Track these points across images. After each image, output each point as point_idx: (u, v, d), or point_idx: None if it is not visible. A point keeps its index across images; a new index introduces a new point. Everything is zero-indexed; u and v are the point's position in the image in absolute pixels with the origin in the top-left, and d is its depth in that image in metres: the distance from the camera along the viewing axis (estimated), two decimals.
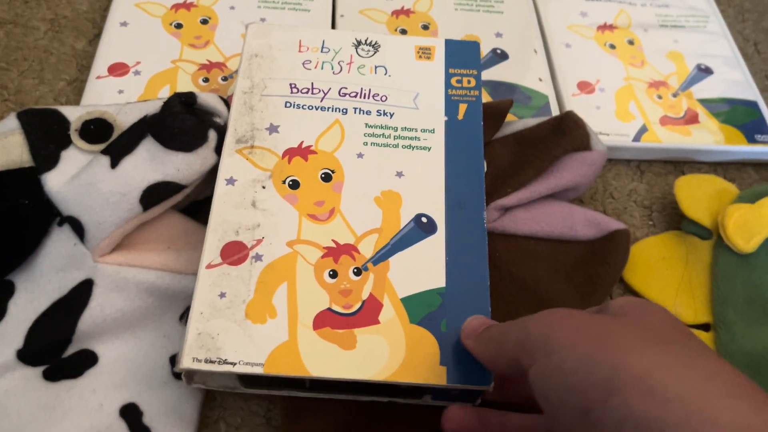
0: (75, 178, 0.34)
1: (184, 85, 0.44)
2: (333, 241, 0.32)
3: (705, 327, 0.39)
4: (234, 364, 0.29)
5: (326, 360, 0.29)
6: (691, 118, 0.48)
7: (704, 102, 0.49)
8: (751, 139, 0.47)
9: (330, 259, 0.32)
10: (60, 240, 0.34)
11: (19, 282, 0.34)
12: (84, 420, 0.31)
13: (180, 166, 0.33)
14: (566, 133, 0.41)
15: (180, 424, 0.32)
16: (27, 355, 0.32)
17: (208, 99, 0.35)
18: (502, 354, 0.26)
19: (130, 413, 0.32)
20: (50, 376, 0.32)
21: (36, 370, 0.32)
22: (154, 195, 0.33)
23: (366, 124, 0.36)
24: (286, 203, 0.33)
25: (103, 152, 0.34)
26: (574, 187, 0.41)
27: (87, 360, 0.33)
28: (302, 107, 0.36)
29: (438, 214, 0.34)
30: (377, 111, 0.36)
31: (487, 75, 0.47)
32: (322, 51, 0.38)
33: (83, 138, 0.35)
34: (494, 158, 0.41)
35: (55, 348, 0.33)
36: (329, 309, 0.31)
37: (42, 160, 0.34)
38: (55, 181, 0.34)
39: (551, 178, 0.40)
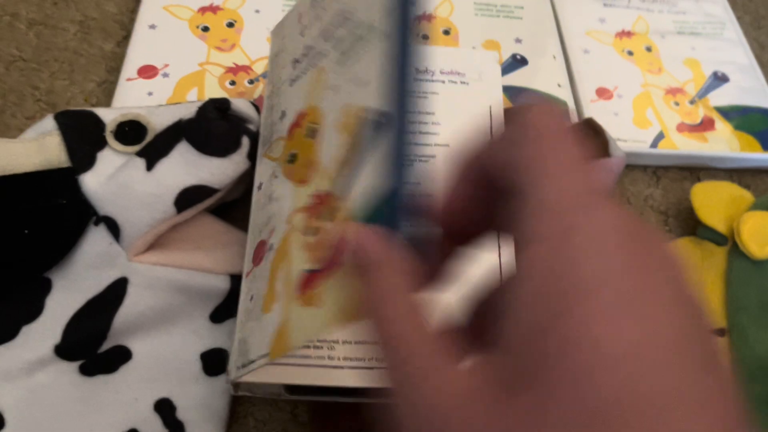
0: (111, 179, 0.35)
1: (211, 88, 0.45)
2: (315, 196, 0.27)
3: (719, 332, 0.39)
4: (253, 361, 0.28)
5: (307, 325, 0.25)
6: (707, 125, 0.49)
7: (720, 109, 0.50)
8: (766, 147, 0.48)
9: (312, 218, 0.27)
10: (96, 239, 0.35)
11: (56, 279, 0.35)
12: (120, 413, 0.32)
13: (214, 171, 0.34)
14: (586, 139, 0.41)
15: (212, 419, 0.33)
16: (64, 350, 0.34)
17: (241, 105, 0.36)
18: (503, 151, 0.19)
19: (165, 408, 0.33)
20: (86, 370, 0.34)
21: (72, 365, 0.34)
22: (188, 198, 0.34)
23: (341, 54, 0.29)
24: (287, 181, 0.31)
25: (139, 154, 0.35)
26: None
27: (121, 355, 0.34)
28: (301, 77, 0.32)
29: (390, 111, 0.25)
30: (349, 31, 0.29)
31: (507, 80, 0.48)
32: (312, 8, 0.33)
33: (118, 139, 0.36)
34: None
35: (91, 344, 0.34)
36: (306, 270, 0.26)
37: (79, 160, 0.36)
38: (92, 182, 0.35)
39: None
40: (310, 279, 0.26)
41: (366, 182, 0.25)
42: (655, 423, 0.14)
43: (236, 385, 0.30)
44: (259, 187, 0.33)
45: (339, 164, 0.27)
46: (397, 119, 0.24)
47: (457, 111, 0.38)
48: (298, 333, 0.25)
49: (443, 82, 0.39)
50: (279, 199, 0.31)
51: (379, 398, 0.27)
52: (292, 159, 0.30)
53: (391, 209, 0.23)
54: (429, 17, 0.51)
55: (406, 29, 0.26)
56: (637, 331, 0.15)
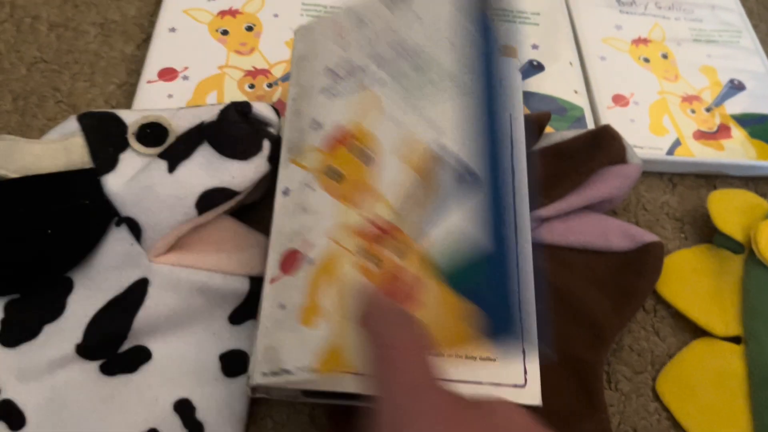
0: (133, 181, 0.35)
1: (231, 91, 0.45)
2: (373, 224, 0.30)
3: (736, 340, 0.39)
4: (291, 372, 0.28)
5: None
6: (723, 133, 0.49)
7: (736, 117, 0.50)
8: None
9: (372, 245, 0.29)
10: (117, 240, 0.35)
11: (77, 279, 0.35)
12: (140, 413, 0.33)
13: (235, 174, 0.35)
14: (603, 146, 0.42)
15: (231, 420, 0.33)
16: (85, 349, 0.34)
17: (262, 109, 0.36)
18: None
19: (184, 408, 0.33)
20: (107, 370, 0.34)
21: (94, 364, 0.34)
22: (209, 200, 0.35)
23: (402, 88, 0.32)
24: (328, 197, 0.32)
25: (161, 156, 0.36)
26: (609, 200, 0.42)
27: (141, 356, 0.35)
28: (342, 94, 0.34)
29: (476, 168, 0.28)
30: (412, 67, 0.32)
31: (524, 86, 0.48)
32: (359, 28, 0.35)
33: (140, 141, 0.37)
34: (531, 169, 0.42)
35: (112, 343, 0.34)
36: None
37: (102, 162, 0.36)
38: (114, 183, 0.35)
39: (587, 190, 0.41)
40: None
41: (450, 235, 0.28)
42: None
43: (254, 389, 0.31)
44: (286, 193, 0.33)
45: (407, 200, 0.29)
46: (503, 187, 0.27)
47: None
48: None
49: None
50: (316, 213, 0.31)
51: None
52: (337, 177, 0.31)
53: (484, 277, 0.26)
54: None
55: (511, 95, 0.31)
56: None
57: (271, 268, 0.32)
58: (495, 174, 0.28)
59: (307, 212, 0.32)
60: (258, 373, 0.29)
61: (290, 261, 0.32)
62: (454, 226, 0.28)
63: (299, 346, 0.29)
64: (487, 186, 0.28)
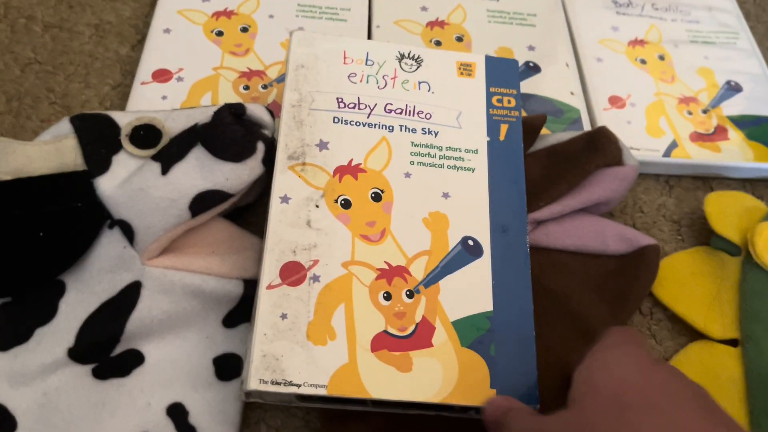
0: (126, 183, 0.35)
1: (226, 93, 0.45)
2: (386, 262, 0.33)
3: (733, 342, 0.39)
4: (299, 385, 0.30)
5: (385, 382, 0.31)
6: (720, 135, 0.48)
7: (733, 119, 0.49)
8: None
9: (384, 281, 0.33)
10: (110, 242, 0.35)
11: (70, 282, 0.35)
12: (133, 417, 0.32)
13: (229, 176, 0.34)
14: (599, 148, 0.41)
15: (224, 425, 0.33)
16: (77, 353, 0.34)
17: (256, 110, 0.36)
18: None
19: (177, 412, 0.33)
20: (99, 374, 0.34)
21: (86, 368, 0.34)
22: (202, 202, 0.34)
23: (412, 143, 0.37)
24: (339, 223, 0.34)
25: (154, 158, 0.35)
26: (605, 202, 0.42)
27: (134, 359, 0.34)
28: (350, 123, 0.37)
29: (483, 238, 0.35)
30: (422, 129, 0.37)
31: (520, 88, 0.48)
32: (366, 63, 0.39)
33: (133, 143, 0.37)
34: (527, 172, 0.42)
35: (104, 347, 0.34)
36: (385, 331, 0.32)
37: (94, 164, 0.36)
38: (107, 185, 0.35)
39: (584, 192, 0.41)
40: (389, 341, 0.31)
41: (456, 291, 0.33)
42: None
43: (248, 393, 0.31)
44: (285, 200, 0.34)
45: (423, 256, 0.34)
46: (508, 255, 0.34)
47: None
48: (380, 385, 0.30)
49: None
50: (327, 234, 0.33)
51: (393, 409, 0.29)
52: (347, 205, 0.34)
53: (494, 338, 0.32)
54: (442, 23, 0.51)
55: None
56: None
57: (270, 274, 0.32)
58: (501, 243, 0.35)
59: (311, 229, 0.33)
60: (255, 379, 0.30)
61: (292, 272, 0.32)
62: (460, 284, 0.33)
63: (308, 363, 0.30)
64: (491, 255, 0.34)
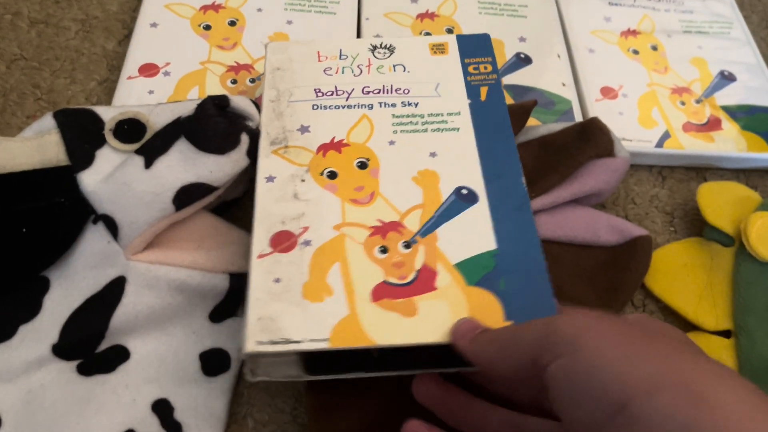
0: (110, 177, 0.34)
1: (213, 87, 0.44)
2: (378, 220, 0.33)
3: (726, 334, 0.39)
4: (299, 342, 0.29)
5: (390, 328, 0.30)
6: (713, 125, 0.48)
7: (727, 109, 0.49)
8: None
9: (378, 237, 0.33)
10: (94, 238, 0.35)
11: (54, 278, 0.35)
12: (117, 414, 0.32)
13: (213, 168, 0.34)
14: (591, 139, 0.41)
15: (210, 420, 0.33)
16: (62, 349, 0.33)
17: (240, 102, 0.36)
18: (511, 354, 0.26)
19: (162, 408, 0.33)
20: (84, 370, 0.33)
21: (70, 365, 0.33)
22: (186, 196, 0.34)
23: (393, 115, 0.37)
24: (326, 192, 0.34)
25: (138, 152, 0.35)
26: (597, 193, 0.41)
27: (119, 355, 0.34)
28: (329, 108, 0.37)
29: (477, 186, 0.35)
30: (402, 102, 0.38)
31: (511, 79, 0.48)
32: (340, 58, 0.40)
33: (117, 138, 0.36)
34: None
35: (89, 343, 0.34)
36: (385, 282, 0.31)
37: (77, 159, 0.35)
38: (91, 180, 0.35)
39: (575, 183, 0.41)
40: (390, 290, 0.31)
41: (457, 233, 0.33)
42: None
43: (255, 371, 0.31)
44: (270, 179, 0.34)
45: (417, 209, 0.34)
46: (502, 196, 0.34)
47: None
48: (384, 332, 0.30)
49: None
50: (316, 204, 0.34)
51: (404, 369, 0.31)
52: (333, 176, 0.35)
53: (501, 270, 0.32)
54: (432, 15, 0.51)
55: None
56: None
57: (260, 244, 0.32)
58: (496, 187, 0.35)
59: (299, 200, 0.33)
60: (252, 342, 0.29)
61: (283, 240, 0.32)
62: (459, 230, 0.33)
63: (306, 319, 0.30)
64: (489, 199, 0.34)
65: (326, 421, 0.33)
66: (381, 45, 0.40)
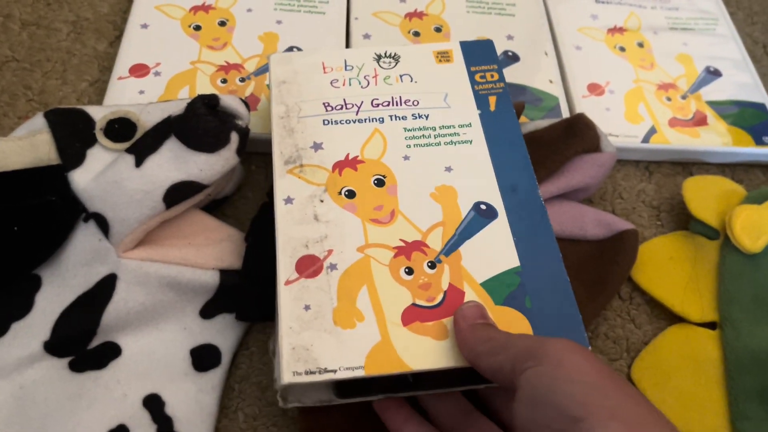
0: (100, 176, 0.35)
1: (203, 86, 0.45)
2: (401, 240, 0.33)
3: (711, 325, 0.39)
4: (334, 371, 0.29)
5: (423, 353, 0.30)
6: (699, 120, 0.48)
7: (713, 104, 0.50)
8: (759, 141, 0.48)
9: (402, 258, 0.33)
10: (85, 235, 0.35)
11: (45, 276, 0.35)
12: (109, 409, 0.32)
13: (203, 167, 0.34)
14: (577, 134, 0.41)
15: (201, 415, 0.33)
16: (53, 346, 0.34)
17: (230, 101, 0.36)
18: (498, 354, 0.27)
19: (153, 403, 0.33)
20: (76, 367, 0.34)
21: (62, 361, 0.34)
22: (177, 194, 0.34)
23: (405, 129, 0.37)
24: (346, 212, 0.34)
25: (128, 151, 0.35)
26: (584, 188, 0.42)
27: (111, 352, 0.34)
28: (340, 122, 0.37)
29: (495, 200, 0.35)
30: (412, 115, 0.38)
31: None
32: (345, 69, 0.39)
33: (108, 137, 0.37)
34: None
35: (81, 340, 0.34)
36: (414, 304, 0.31)
37: (69, 158, 0.36)
38: (82, 179, 0.35)
39: (562, 178, 0.41)
40: (420, 313, 0.31)
41: (480, 251, 0.33)
42: None
43: (285, 398, 0.31)
44: (289, 201, 0.34)
45: (438, 228, 0.34)
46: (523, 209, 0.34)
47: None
48: (418, 357, 0.30)
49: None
50: (333, 224, 0.33)
51: (436, 388, 0.31)
52: (351, 195, 0.34)
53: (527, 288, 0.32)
54: (420, 14, 0.51)
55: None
56: None
57: (286, 271, 0.32)
58: (514, 201, 0.35)
59: (320, 222, 0.33)
60: (288, 373, 0.29)
61: (308, 265, 0.32)
62: (482, 247, 0.33)
63: (340, 347, 0.30)
64: (507, 214, 0.34)
65: (316, 415, 0.33)
66: (386, 54, 0.40)
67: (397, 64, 0.40)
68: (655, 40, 0.53)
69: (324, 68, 0.39)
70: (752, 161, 0.48)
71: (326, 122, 0.37)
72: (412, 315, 0.31)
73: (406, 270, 0.32)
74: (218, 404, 0.34)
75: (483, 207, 0.34)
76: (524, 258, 0.33)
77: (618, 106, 0.48)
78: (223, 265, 0.36)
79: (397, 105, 0.38)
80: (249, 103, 0.38)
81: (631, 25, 0.54)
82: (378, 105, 0.38)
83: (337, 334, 0.30)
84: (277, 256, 0.32)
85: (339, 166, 0.35)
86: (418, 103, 0.38)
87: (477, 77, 0.39)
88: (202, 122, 0.35)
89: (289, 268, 0.32)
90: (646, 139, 0.47)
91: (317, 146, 0.36)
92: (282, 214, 0.33)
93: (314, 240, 0.33)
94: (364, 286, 0.32)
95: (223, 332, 0.36)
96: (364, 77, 0.39)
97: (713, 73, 0.52)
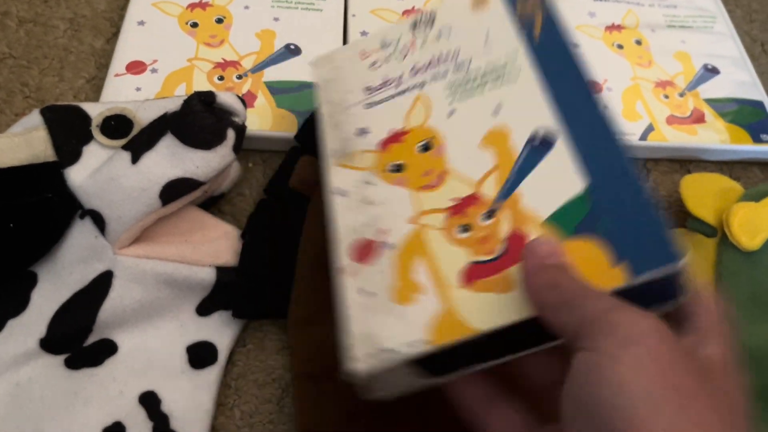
0: (97, 173, 0.35)
1: (200, 83, 0.45)
2: (451, 200, 0.31)
3: None
4: (400, 350, 0.28)
5: (489, 310, 0.28)
6: (697, 118, 0.48)
7: (711, 102, 0.49)
8: (757, 139, 0.48)
9: (457, 217, 0.31)
10: (81, 232, 0.35)
11: (41, 273, 0.35)
12: (105, 406, 0.32)
13: (199, 164, 0.34)
14: None
15: (197, 412, 0.33)
16: (49, 343, 0.34)
17: (227, 98, 0.36)
18: (560, 311, 0.24)
19: (149, 401, 0.33)
20: (72, 364, 0.34)
21: (58, 359, 0.34)
22: (173, 190, 0.34)
23: (446, 85, 0.35)
24: (395, 188, 0.33)
25: (124, 148, 0.35)
26: None
27: (107, 349, 0.34)
28: (382, 101, 0.36)
29: (551, 126, 0.31)
30: (453, 68, 0.36)
31: None
32: (383, 48, 0.38)
33: (104, 133, 0.36)
34: None
35: (77, 337, 0.34)
36: (474, 262, 0.29)
37: (65, 154, 0.36)
38: (78, 176, 0.35)
39: None
40: (481, 269, 0.29)
41: (544, 190, 0.30)
42: None
43: (368, 388, 0.29)
44: (343, 194, 0.33)
45: (492, 174, 0.31)
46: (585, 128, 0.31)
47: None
48: (485, 316, 0.27)
49: None
50: (385, 203, 0.32)
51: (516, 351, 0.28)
52: (397, 169, 0.33)
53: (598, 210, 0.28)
54: (417, 12, 0.51)
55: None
56: None
57: (342, 259, 0.31)
58: (574, 123, 0.31)
59: (373, 204, 0.33)
60: (357, 363, 0.28)
61: (366, 250, 0.31)
62: (541, 180, 0.30)
63: (402, 325, 0.28)
64: (565, 136, 0.31)
65: (313, 411, 0.33)
66: (421, 19, 0.38)
67: (432, 25, 0.38)
68: (652, 38, 0.53)
69: (362, 55, 0.39)
70: (750, 159, 0.48)
71: (368, 105, 0.36)
72: (474, 273, 0.29)
73: (462, 228, 0.30)
74: (215, 401, 0.34)
75: (539, 136, 0.31)
76: (593, 178, 0.29)
77: (615, 103, 0.48)
78: (220, 263, 0.36)
79: (436, 64, 0.36)
80: (246, 100, 0.38)
81: (628, 23, 0.54)
82: (417, 72, 0.37)
83: (398, 312, 0.29)
84: (333, 246, 0.32)
85: (384, 143, 0.34)
86: (458, 53, 0.36)
87: (518, 6, 0.36)
88: (198, 119, 0.35)
89: (345, 257, 0.31)
90: (643, 137, 0.47)
91: (362, 132, 0.35)
92: (339, 207, 0.33)
93: (367, 224, 0.32)
94: (420, 257, 0.30)
95: (219, 329, 0.36)
96: (402, 49, 0.38)
97: (711, 71, 0.51)
